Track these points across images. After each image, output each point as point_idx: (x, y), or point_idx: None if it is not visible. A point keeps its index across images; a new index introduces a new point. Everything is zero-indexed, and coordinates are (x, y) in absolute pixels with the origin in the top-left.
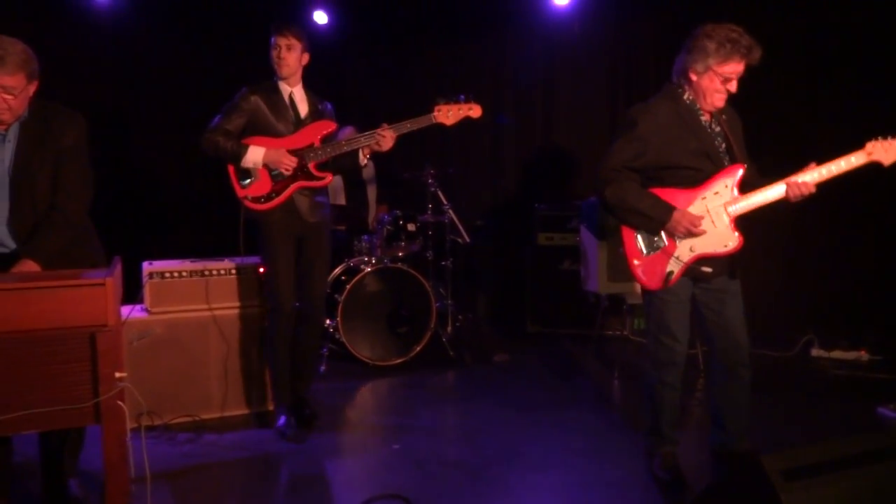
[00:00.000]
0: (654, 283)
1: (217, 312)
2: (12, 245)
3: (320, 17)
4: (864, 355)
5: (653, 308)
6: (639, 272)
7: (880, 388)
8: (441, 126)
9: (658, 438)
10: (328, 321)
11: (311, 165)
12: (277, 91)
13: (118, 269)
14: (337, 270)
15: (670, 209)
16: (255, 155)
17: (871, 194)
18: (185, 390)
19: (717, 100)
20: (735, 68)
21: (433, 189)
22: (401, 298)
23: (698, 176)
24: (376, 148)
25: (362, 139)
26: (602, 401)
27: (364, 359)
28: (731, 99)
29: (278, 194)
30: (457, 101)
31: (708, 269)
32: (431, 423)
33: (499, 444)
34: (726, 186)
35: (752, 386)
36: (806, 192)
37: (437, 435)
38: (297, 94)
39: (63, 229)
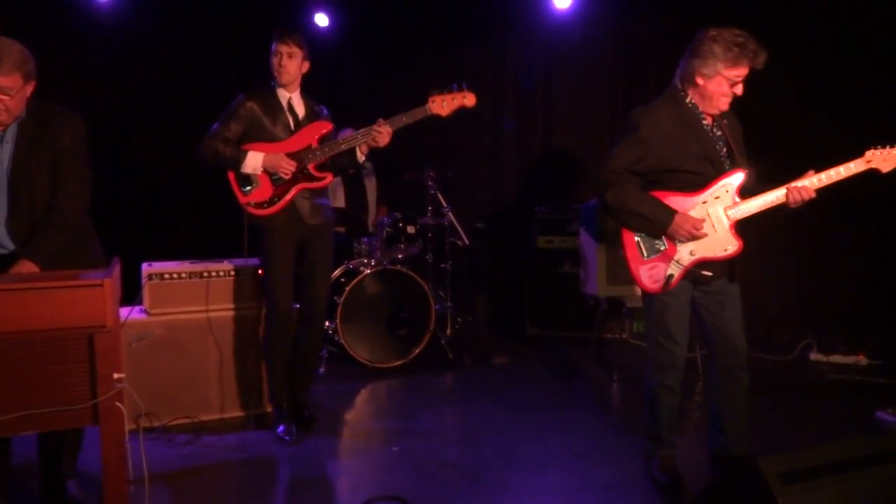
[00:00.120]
0: (654, 286)
1: (216, 314)
2: (11, 246)
3: (321, 20)
4: (862, 360)
5: (653, 311)
6: (639, 275)
7: (879, 393)
8: (437, 117)
9: (656, 441)
10: (327, 323)
11: (310, 166)
12: (275, 96)
13: (117, 269)
14: (336, 272)
15: (672, 213)
16: (254, 160)
17: (871, 199)
18: (184, 392)
19: (724, 104)
20: (742, 72)
21: (433, 191)
22: (400, 301)
23: (699, 180)
24: (373, 144)
25: (359, 136)
26: (601, 403)
27: (363, 361)
28: (731, 103)
29: (280, 198)
30: (450, 91)
31: (708, 273)
32: (430, 426)
33: (498, 447)
34: (727, 191)
35: (751, 390)
36: (807, 196)
37: (436, 437)
38: (294, 100)
39: (62, 230)
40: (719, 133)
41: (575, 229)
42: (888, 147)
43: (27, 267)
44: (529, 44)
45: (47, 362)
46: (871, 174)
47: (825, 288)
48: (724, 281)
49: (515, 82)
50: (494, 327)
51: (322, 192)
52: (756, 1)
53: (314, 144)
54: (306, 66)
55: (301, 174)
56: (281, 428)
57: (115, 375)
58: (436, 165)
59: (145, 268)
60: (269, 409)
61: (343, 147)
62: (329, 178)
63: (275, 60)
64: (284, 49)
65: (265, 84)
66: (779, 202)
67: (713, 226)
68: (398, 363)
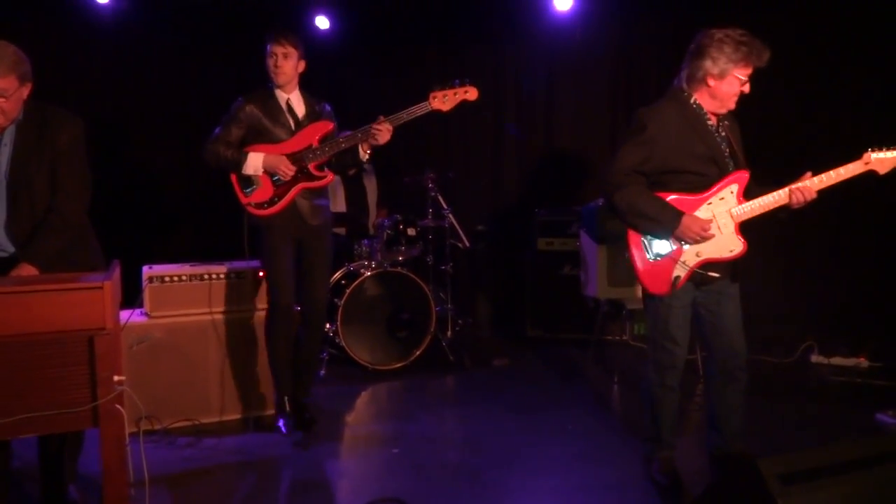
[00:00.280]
0: (660, 288)
1: (217, 317)
2: (11, 249)
3: (322, 23)
4: (863, 362)
5: (655, 312)
6: (645, 277)
7: (879, 395)
8: (438, 113)
9: (656, 443)
10: (328, 325)
11: (311, 166)
12: (273, 97)
13: (117, 272)
14: (337, 275)
15: (680, 214)
16: (255, 161)
17: (871, 202)
18: (185, 394)
19: (733, 103)
20: (750, 70)
21: (433, 193)
22: (401, 303)
23: (703, 181)
24: (373, 142)
25: (359, 135)
26: (601, 405)
27: (364, 363)
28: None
29: (281, 198)
30: (452, 86)
31: (716, 275)
32: (431, 427)
33: (498, 448)
34: (732, 192)
35: (752, 392)
36: (808, 197)
37: (436, 439)
38: (293, 100)
39: (61, 232)
40: (723, 134)
41: (575, 231)
42: (884, 149)
43: (27, 270)
44: (530, 46)
45: (47, 365)
46: (870, 176)
47: (826, 290)
48: (726, 281)
49: (516, 85)
50: (495, 329)
51: (322, 192)
52: (754, 4)
53: (315, 144)
54: (302, 65)
55: (301, 174)
56: (281, 421)
57: (116, 378)
58: (436, 167)
59: (146, 270)
60: (270, 412)
61: (343, 145)
62: (329, 177)
63: (270, 62)
64: (279, 50)
65: (263, 86)
66: (782, 202)
67: (719, 227)
68: (399, 365)
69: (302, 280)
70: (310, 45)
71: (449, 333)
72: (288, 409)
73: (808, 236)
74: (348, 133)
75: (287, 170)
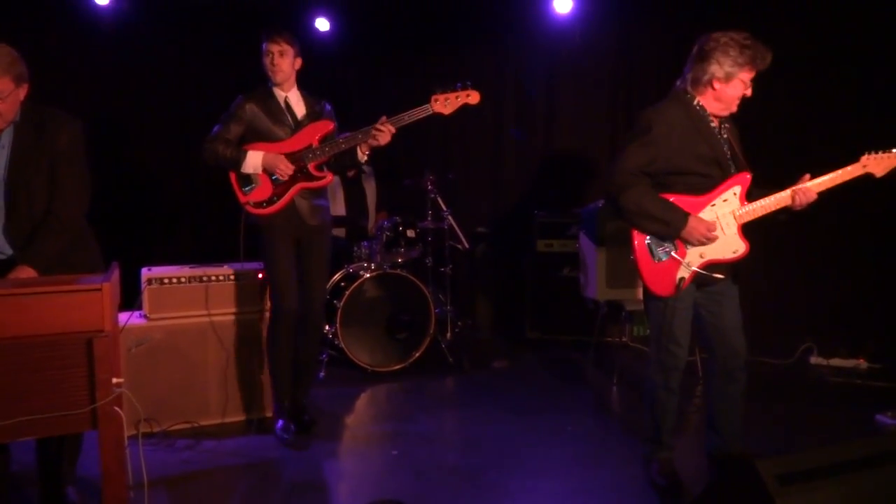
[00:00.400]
0: (664, 289)
1: (216, 319)
2: (9, 251)
3: (322, 24)
4: (862, 363)
5: (660, 314)
6: (649, 279)
7: (879, 396)
8: (439, 116)
9: (656, 444)
10: (327, 327)
11: (310, 166)
12: (273, 96)
13: (116, 274)
14: (336, 276)
15: (686, 215)
16: (254, 160)
17: (871, 203)
18: (184, 397)
19: (735, 106)
20: (753, 74)
21: (433, 195)
22: (400, 304)
23: (706, 182)
24: (373, 143)
25: (360, 135)
26: (601, 407)
27: (363, 365)
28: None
29: (279, 197)
30: (454, 90)
31: (720, 276)
32: (430, 429)
33: (498, 450)
34: (735, 194)
35: (752, 393)
36: (810, 198)
37: (435, 441)
38: (292, 98)
39: (60, 234)
40: (724, 136)
41: (575, 233)
42: (881, 152)
43: (26, 272)
44: (530, 48)
45: (46, 367)
46: (867, 178)
47: (825, 292)
48: (727, 281)
49: (516, 87)
50: (494, 331)
51: (321, 192)
52: (754, 6)
53: (315, 144)
54: (299, 62)
55: (301, 173)
56: (280, 423)
57: (114, 380)
58: (436, 169)
59: (145, 272)
60: (269, 414)
61: (343, 146)
62: (329, 177)
63: (267, 60)
64: (275, 48)
65: (263, 85)
66: (784, 203)
67: (722, 228)
68: (398, 367)
69: (300, 280)
70: (310, 46)
71: (448, 335)
72: (287, 411)
73: (807, 238)
74: (348, 134)
75: (286, 169)
